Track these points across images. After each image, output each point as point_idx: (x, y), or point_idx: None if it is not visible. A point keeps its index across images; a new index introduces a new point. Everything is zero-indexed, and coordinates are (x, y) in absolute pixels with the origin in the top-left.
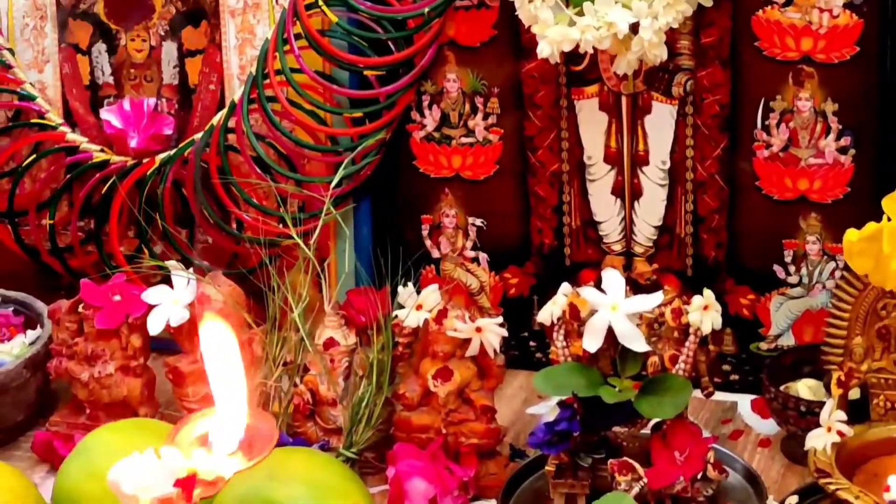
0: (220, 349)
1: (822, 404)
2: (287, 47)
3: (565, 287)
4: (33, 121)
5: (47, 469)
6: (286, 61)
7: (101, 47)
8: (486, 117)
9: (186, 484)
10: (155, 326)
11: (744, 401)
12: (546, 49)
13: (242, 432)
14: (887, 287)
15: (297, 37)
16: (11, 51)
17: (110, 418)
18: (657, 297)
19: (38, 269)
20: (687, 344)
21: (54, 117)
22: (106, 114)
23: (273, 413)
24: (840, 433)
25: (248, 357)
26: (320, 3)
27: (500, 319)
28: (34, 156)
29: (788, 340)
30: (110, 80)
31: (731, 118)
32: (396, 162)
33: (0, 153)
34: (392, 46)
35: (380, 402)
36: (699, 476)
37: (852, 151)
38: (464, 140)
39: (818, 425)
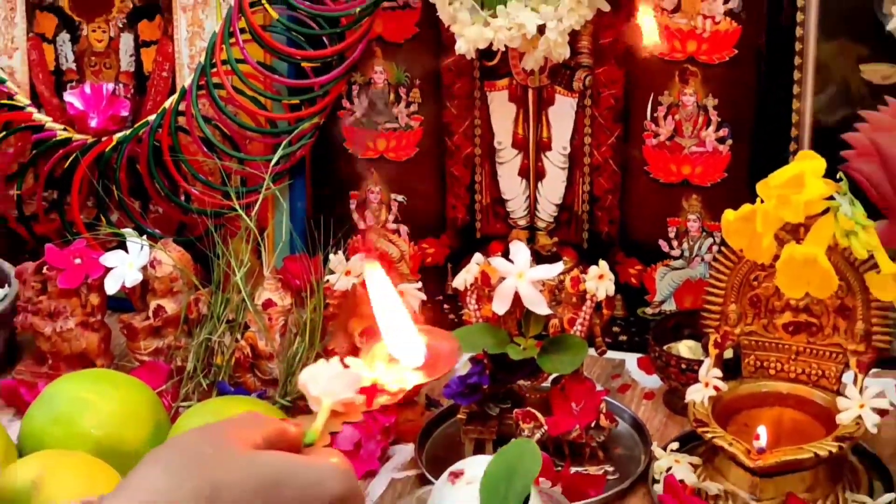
0: (384, 289)
1: (700, 363)
2: (233, 40)
3: (477, 257)
4: (3, 101)
5: (13, 413)
6: (232, 52)
7: (65, 37)
8: (408, 105)
9: (370, 391)
10: (111, 287)
11: (631, 359)
12: (463, 46)
13: (426, 350)
14: (759, 261)
15: (242, 31)
16: None
17: (70, 368)
18: (558, 267)
19: (6, 234)
20: (584, 308)
21: (22, 99)
22: (69, 96)
23: (217, 365)
24: (716, 388)
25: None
26: (263, 0)
27: (419, 284)
28: (3, 133)
29: (671, 306)
30: (73, 66)
31: (625, 110)
32: (328, 144)
33: None
34: (326, 41)
35: (312, 357)
36: (593, 424)
37: (729, 141)
38: (388, 125)
39: (696, 381)
